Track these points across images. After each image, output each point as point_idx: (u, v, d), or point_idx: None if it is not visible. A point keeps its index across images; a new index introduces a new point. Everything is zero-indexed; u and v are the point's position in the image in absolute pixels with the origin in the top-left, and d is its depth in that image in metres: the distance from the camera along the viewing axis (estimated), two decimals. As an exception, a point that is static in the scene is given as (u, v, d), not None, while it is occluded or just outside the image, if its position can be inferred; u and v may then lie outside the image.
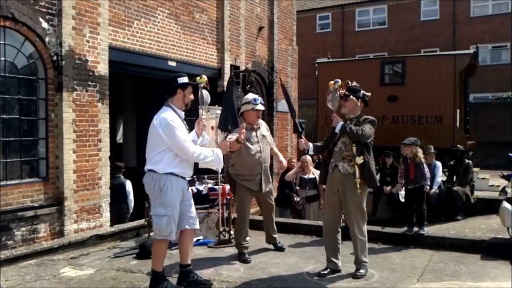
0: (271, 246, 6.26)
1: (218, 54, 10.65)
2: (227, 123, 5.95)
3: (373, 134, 5.01)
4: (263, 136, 5.88)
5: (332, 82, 5.00)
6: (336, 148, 5.07)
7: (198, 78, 4.73)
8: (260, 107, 5.77)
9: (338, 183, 5.02)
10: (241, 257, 5.81)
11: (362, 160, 4.89)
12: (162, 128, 4.36)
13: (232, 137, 5.34)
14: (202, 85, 4.71)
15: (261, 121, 6.00)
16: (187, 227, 4.60)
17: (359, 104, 5.12)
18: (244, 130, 5.26)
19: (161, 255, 4.57)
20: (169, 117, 4.40)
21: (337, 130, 4.95)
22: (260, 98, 5.86)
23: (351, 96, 5.05)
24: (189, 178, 4.84)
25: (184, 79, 4.56)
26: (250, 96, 5.91)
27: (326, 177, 5.22)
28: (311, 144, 5.26)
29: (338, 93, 4.99)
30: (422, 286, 4.72)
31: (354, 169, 4.88)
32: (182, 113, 4.58)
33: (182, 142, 4.37)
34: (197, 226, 4.77)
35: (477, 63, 14.26)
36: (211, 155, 4.58)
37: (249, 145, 5.67)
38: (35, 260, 5.77)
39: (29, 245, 6.23)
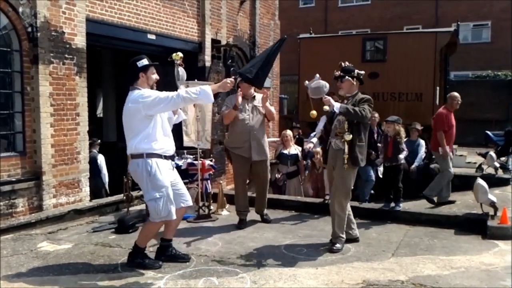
0: (254, 219, 6.42)
1: (199, 27, 10.46)
2: (258, 77, 5.78)
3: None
4: (255, 106, 6.11)
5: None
6: (333, 126, 5.27)
7: (174, 54, 4.67)
8: None
9: (332, 159, 5.25)
10: (237, 224, 6.18)
11: (350, 137, 4.99)
12: (135, 101, 4.30)
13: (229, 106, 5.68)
14: (177, 62, 4.65)
15: (258, 95, 6.22)
16: (182, 205, 4.64)
17: (355, 83, 5.25)
18: (240, 97, 5.46)
19: (151, 235, 4.63)
20: (137, 93, 4.36)
21: (336, 109, 5.01)
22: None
23: (347, 77, 5.20)
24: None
25: (144, 62, 4.43)
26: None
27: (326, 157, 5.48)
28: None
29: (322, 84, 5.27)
30: (396, 260, 4.82)
31: (344, 145, 5.02)
32: None
33: (157, 96, 4.28)
34: (191, 202, 4.84)
35: (458, 41, 14.31)
36: (196, 91, 4.31)
37: (238, 113, 6.01)
38: (12, 235, 5.73)
39: (7, 220, 6.16)
